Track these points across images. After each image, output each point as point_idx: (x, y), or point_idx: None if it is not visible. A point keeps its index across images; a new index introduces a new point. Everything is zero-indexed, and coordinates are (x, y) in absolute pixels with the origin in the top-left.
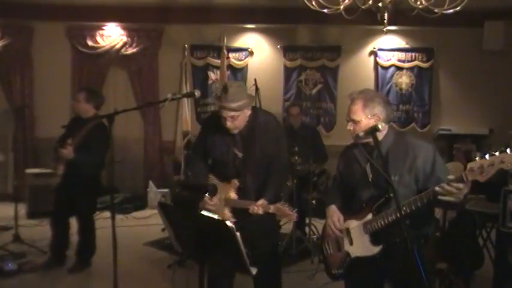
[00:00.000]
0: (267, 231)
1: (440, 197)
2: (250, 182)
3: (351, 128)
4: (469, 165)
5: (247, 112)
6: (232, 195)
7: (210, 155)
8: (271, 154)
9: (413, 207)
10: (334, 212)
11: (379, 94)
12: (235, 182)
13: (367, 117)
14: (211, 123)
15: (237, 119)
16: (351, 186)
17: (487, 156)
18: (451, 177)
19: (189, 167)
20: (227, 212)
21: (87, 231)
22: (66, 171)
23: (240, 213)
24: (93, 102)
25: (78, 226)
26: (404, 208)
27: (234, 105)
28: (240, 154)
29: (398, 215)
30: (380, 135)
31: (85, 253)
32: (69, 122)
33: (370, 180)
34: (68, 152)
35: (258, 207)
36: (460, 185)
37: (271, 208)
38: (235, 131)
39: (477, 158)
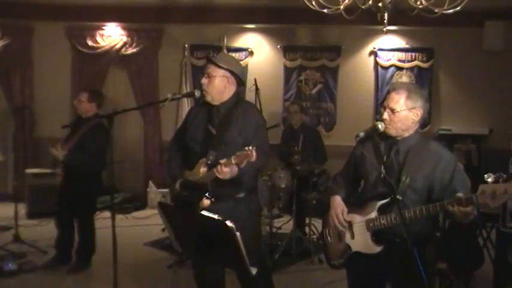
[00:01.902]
0: (248, 228)
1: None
2: (215, 161)
3: (387, 118)
4: (481, 188)
5: (227, 84)
6: (202, 172)
7: (185, 137)
8: (249, 138)
9: (418, 216)
10: (339, 204)
11: (422, 89)
12: (203, 159)
13: (407, 108)
14: (196, 108)
15: (213, 81)
16: (361, 175)
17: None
18: (459, 195)
19: (167, 159)
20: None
21: (86, 231)
22: (66, 171)
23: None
24: (96, 101)
25: (77, 226)
26: (408, 215)
27: (217, 61)
28: (214, 131)
29: (400, 218)
30: (406, 133)
31: (84, 253)
32: (73, 122)
33: (382, 176)
34: (58, 152)
35: (221, 166)
36: (466, 209)
37: (232, 160)
38: (207, 96)
39: (490, 180)
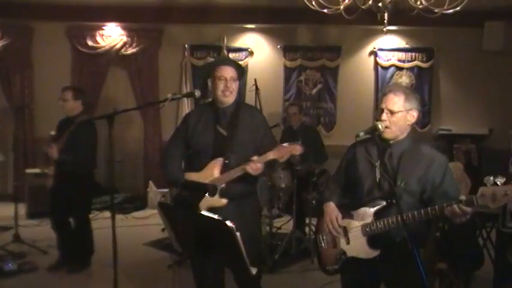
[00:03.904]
0: (250, 228)
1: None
2: (233, 162)
3: (386, 119)
4: (482, 190)
5: (237, 85)
6: (216, 173)
7: (191, 143)
8: (259, 138)
9: (417, 219)
10: (333, 210)
11: (416, 92)
12: (219, 159)
13: (406, 109)
14: (196, 113)
15: (233, 84)
16: (354, 179)
17: (499, 182)
18: (462, 197)
19: (164, 163)
20: (217, 196)
21: (82, 231)
22: (58, 172)
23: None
24: (81, 99)
25: (74, 227)
26: (406, 218)
27: (236, 63)
28: (224, 132)
29: (399, 221)
30: (400, 136)
31: (82, 253)
32: (59, 124)
33: (377, 180)
34: (53, 151)
35: (255, 162)
36: (468, 209)
37: (271, 154)
38: (226, 100)
39: (489, 184)
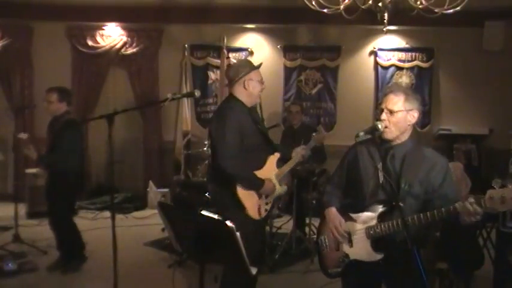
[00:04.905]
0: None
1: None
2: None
3: (385, 119)
4: (490, 193)
5: None
6: (275, 167)
7: (250, 143)
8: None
9: (423, 222)
10: (335, 216)
11: (417, 93)
12: (277, 154)
13: (406, 109)
14: (242, 115)
15: None
16: (355, 181)
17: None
18: (471, 200)
19: (240, 170)
20: (279, 185)
21: (63, 231)
22: (48, 172)
23: None
24: (66, 100)
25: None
26: (412, 221)
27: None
28: (264, 129)
29: (403, 226)
30: (402, 137)
31: (69, 252)
32: (48, 125)
33: (380, 182)
34: (30, 152)
35: (305, 149)
36: (479, 209)
37: (313, 142)
38: (258, 100)
39: (496, 186)
